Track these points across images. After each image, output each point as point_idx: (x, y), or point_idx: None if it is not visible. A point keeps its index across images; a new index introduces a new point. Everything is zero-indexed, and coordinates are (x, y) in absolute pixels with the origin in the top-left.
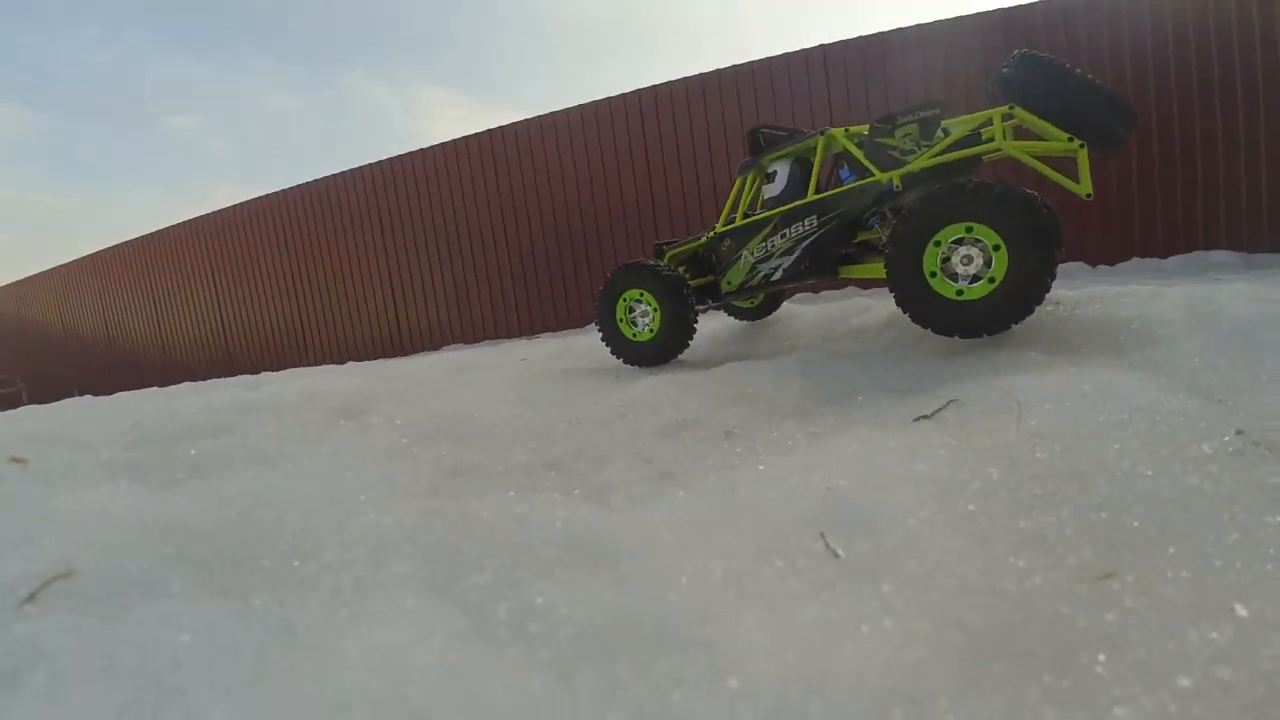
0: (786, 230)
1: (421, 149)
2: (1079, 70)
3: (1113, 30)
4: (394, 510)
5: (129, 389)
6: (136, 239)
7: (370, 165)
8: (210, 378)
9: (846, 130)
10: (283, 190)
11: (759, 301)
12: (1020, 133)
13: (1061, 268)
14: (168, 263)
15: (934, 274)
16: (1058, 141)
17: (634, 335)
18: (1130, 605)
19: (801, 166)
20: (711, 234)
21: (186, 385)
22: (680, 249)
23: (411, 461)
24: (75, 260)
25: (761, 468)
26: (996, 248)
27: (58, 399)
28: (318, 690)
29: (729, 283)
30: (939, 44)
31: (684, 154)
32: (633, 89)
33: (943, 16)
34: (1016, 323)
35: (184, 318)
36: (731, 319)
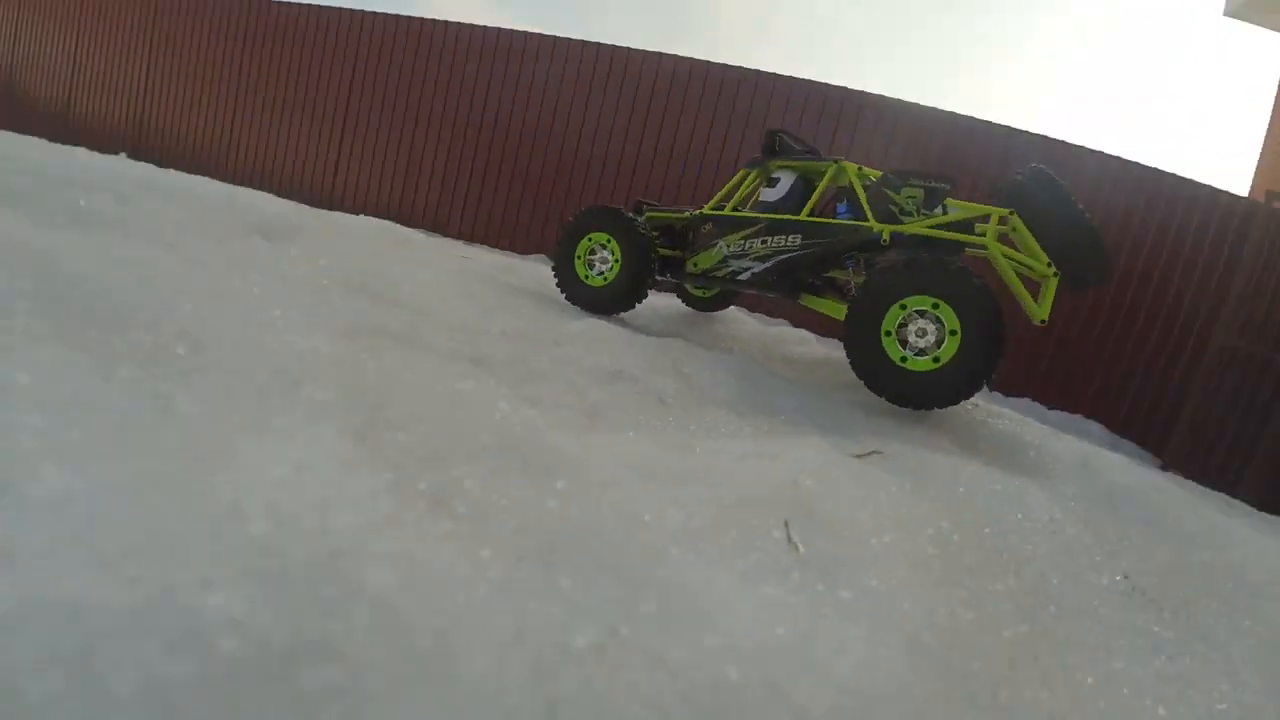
0: (769, 238)
1: (417, 17)
2: (1083, 208)
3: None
4: (312, 337)
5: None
6: None
7: (362, 11)
8: (111, 155)
9: (860, 169)
10: None
11: (713, 294)
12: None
13: None
14: (99, 19)
15: (889, 333)
16: (1038, 262)
17: (586, 277)
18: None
19: (805, 184)
20: (696, 213)
21: (87, 150)
22: (660, 214)
23: (329, 305)
24: None
25: (711, 441)
26: (953, 332)
27: None
28: (199, 484)
29: (695, 264)
30: (943, 132)
31: (676, 132)
32: (653, 50)
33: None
34: (944, 406)
35: (100, 86)
36: (678, 302)
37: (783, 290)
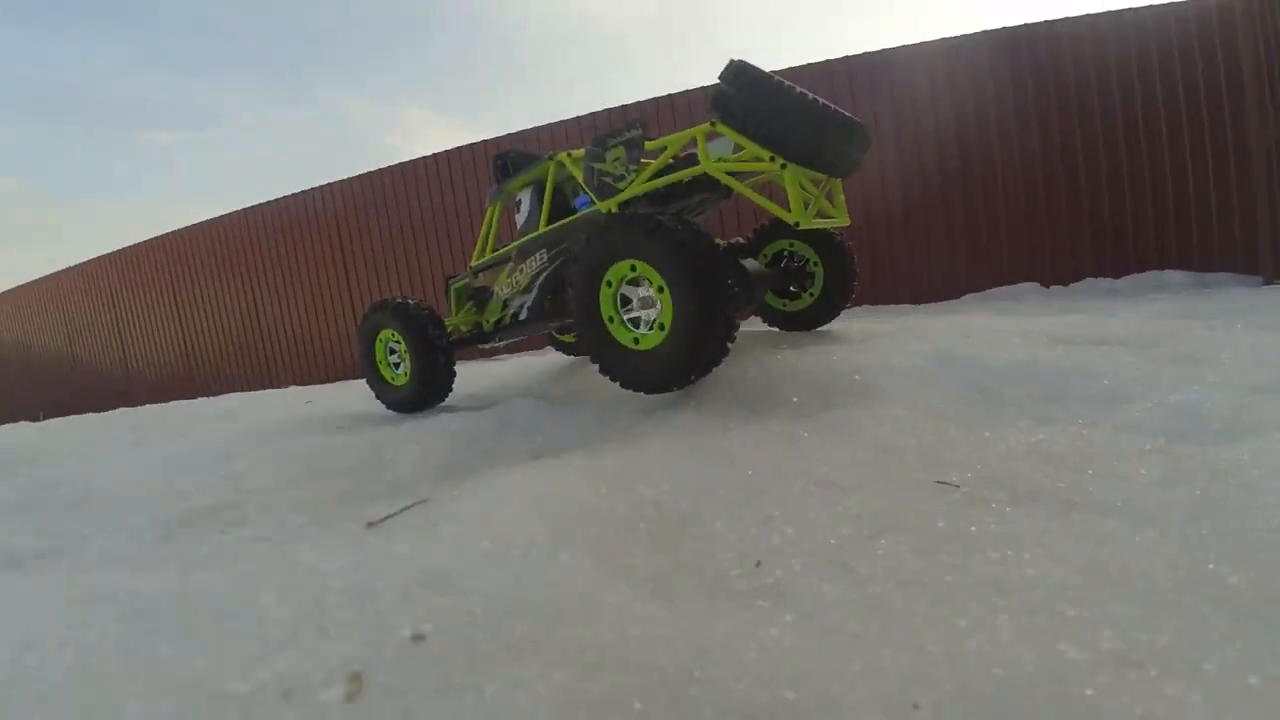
0: (523, 265)
1: (374, 170)
2: (785, 85)
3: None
4: None
5: (93, 410)
6: (99, 258)
7: (330, 185)
8: (172, 399)
9: (570, 154)
10: (245, 209)
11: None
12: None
13: (1010, 289)
14: (131, 282)
15: (612, 319)
16: (760, 161)
17: (392, 378)
18: None
19: (539, 194)
20: (471, 269)
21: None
22: (461, 283)
23: None
24: (38, 279)
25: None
26: (660, 289)
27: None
28: None
29: (487, 321)
30: (941, 61)
31: None
32: (602, 108)
33: (946, 35)
34: (696, 377)
35: (147, 338)
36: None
37: (564, 315)
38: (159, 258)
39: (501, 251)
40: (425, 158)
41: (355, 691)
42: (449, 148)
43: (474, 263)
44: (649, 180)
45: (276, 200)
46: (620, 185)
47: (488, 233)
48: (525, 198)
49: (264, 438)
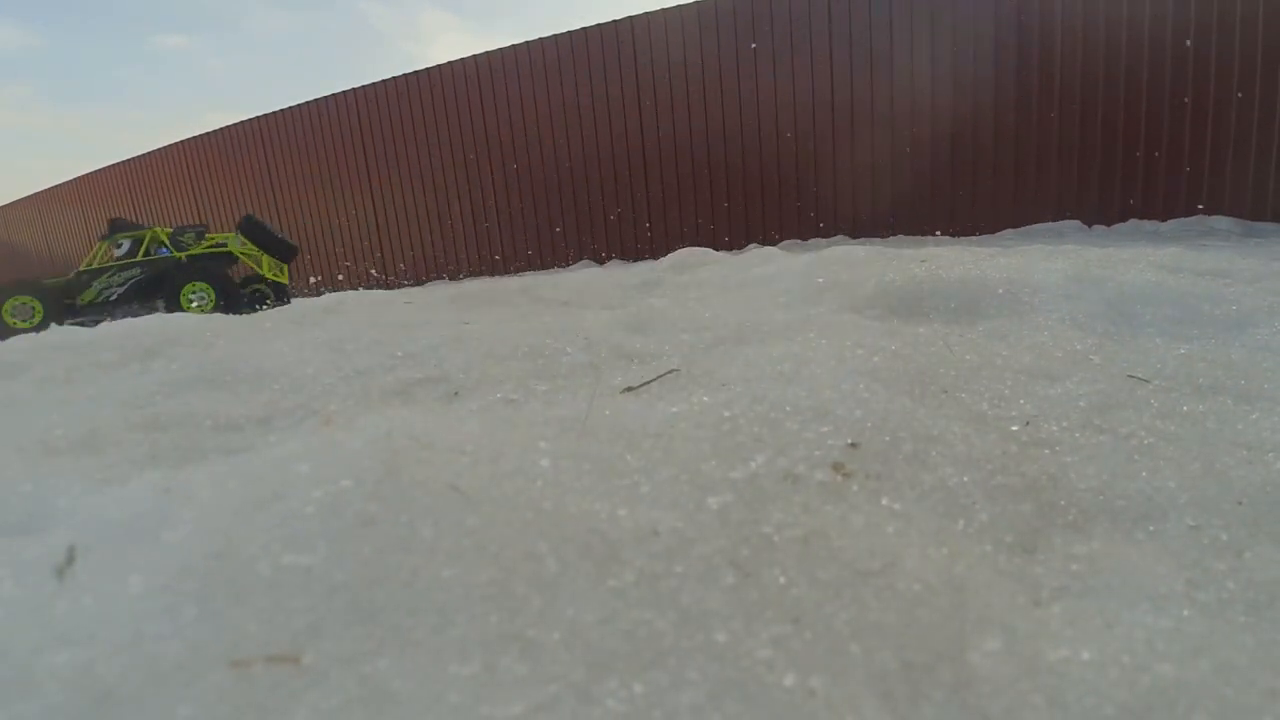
0: (120, 274)
1: (410, 73)
2: (268, 227)
3: None
4: None
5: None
6: (119, 163)
7: (357, 89)
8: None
9: (161, 228)
10: (266, 114)
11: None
12: None
13: (1052, 226)
14: (151, 188)
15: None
16: (253, 249)
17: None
18: None
19: (136, 242)
20: (78, 271)
21: None
22: (65, 279)
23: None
24: (59, 184)
25: None
26: (208, 289)
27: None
28: None
29: (83, 299)
30: None
31: (673, 91)
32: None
33: None
34: None
35: None
36: None
37: (140, 299)
38: (179, 164)
39: (110, 265)
40: (452, 63)
41: (845, 472)
42: (476, 52)
43: (84, 268)
44: (202, 249)
45: (295, 106)
46: (189, 248)
47: (95, 254)
48: (126, 243)
49: (397, 329)
